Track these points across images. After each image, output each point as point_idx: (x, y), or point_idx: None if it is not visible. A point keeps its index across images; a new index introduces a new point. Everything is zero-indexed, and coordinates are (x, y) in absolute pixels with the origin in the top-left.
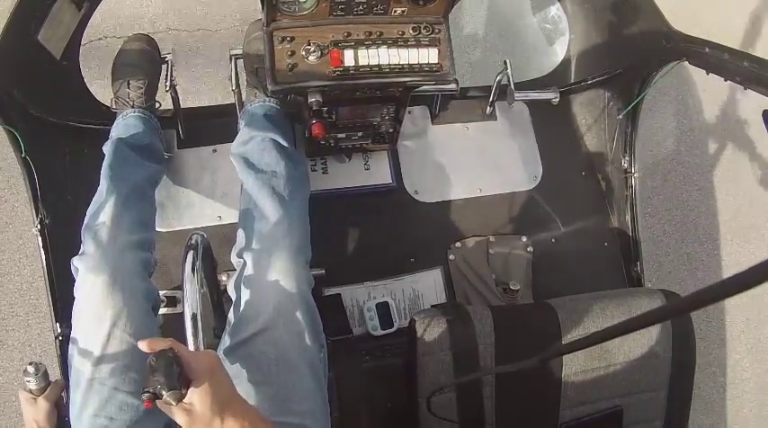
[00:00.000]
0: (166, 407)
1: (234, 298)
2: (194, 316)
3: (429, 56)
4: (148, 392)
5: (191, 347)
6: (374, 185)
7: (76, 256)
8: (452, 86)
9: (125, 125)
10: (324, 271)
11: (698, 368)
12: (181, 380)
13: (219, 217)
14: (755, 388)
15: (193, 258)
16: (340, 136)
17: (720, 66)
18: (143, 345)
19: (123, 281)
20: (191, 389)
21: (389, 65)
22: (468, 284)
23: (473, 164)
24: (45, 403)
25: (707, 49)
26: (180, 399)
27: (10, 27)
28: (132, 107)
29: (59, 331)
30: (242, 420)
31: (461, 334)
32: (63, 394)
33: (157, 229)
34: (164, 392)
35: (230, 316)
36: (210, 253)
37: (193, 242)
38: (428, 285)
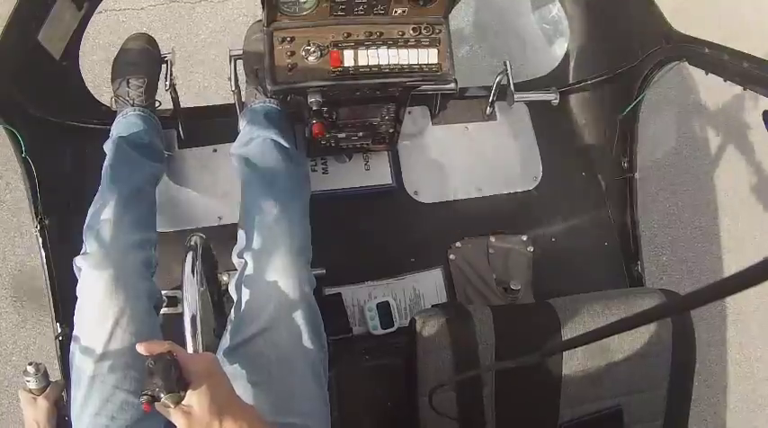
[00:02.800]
0: (165, 410)
1: (235, 299)
2: (193, 318)
3: (429, 56)
4: (147, 394)
5: (189, 348)
6: (374, 186)
7: (79, 256)
8: (452, 86)
9: (126, 123)
10: (324, 271)
11: (711, 346)
12: (179, 383)
13: (220, 217)
14: None
15: (193, 259)
16: (340, 136)
17: (720, 66)
18: (141, 348)
19: (126, 281)
20: (189, 392)
21: (389, 65)
22: (469, 284)
23: (473, 165)
24: (45, 402)
25: (706, 50)
26: (178, 402)
27: (10, 27)
28: (132, 106)
29: (60, 331)
30: (240, 421)
31: (462, 333)
32: (63, 394)
33: (158, 229)
34: (162, 395)
35: (231, 316)
36: (211, 253)
37: (192, 243)
38: (429, 285)
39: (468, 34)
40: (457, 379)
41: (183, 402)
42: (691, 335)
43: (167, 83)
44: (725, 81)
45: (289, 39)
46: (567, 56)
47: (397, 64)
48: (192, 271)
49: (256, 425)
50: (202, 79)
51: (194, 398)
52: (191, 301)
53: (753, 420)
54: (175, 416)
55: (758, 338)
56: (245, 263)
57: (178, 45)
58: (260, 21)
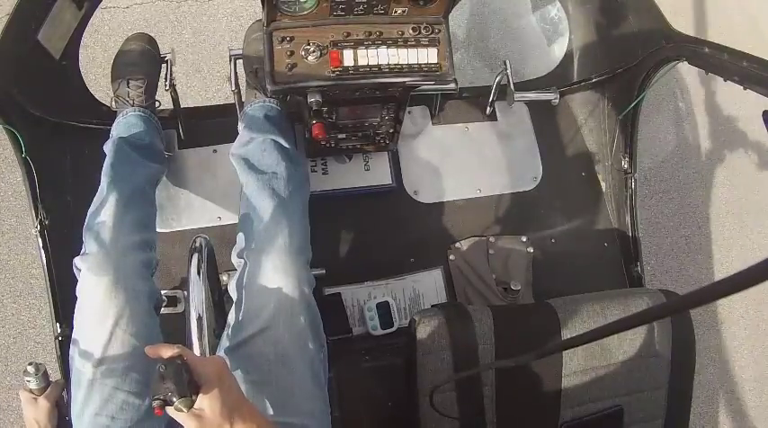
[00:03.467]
0: (177, 414)
1: (235, 299)
2: (199, 319)
3: (429, 56)
4: (159, 399)
5: (195, 350)
6: (374, 186)
7: (79, 256)
8: (452, 86)
9: (126, 124)
10: (324, 271)
11: (697, 352)
12: (190, 387)
13: (219, 217)
14: (755, 376)
15: (198, 261)
16: (340, 136)
17: (720, 66)
18: (150, 351)
19: (126, 282)
20: (200, 396)
21: (389, 65)
22: (469, 284)
23: (473, 165)
24: (46, 402)
25: (706, 49)
26: (190, 406)
27: (10, 27)
28: (132, 106)
29: (59, 331)
30: (249, 424)
31: (461, 333)
32: (63, 393)
33: (158, 230)
34: (174, 399)
35: (231, 316)
36: (213, 255)
37: (197, 245)
38: (428, 285)
39: (467, 34)
40: (456, 378)
41: (194, 406)
42: (690, 336)
43: (167, 83)
44: (725, 81)
45: (288, 38)
46: (567, 56)
47: (397, 64)
48: (198, 273)
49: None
50: (185, 79)
51: (206, 402)
52: (197, 303)
53: None
54: (186, 420)
55: (744, 345)
56: (245, 263)
57: (161, 44)
58: (259, 20)
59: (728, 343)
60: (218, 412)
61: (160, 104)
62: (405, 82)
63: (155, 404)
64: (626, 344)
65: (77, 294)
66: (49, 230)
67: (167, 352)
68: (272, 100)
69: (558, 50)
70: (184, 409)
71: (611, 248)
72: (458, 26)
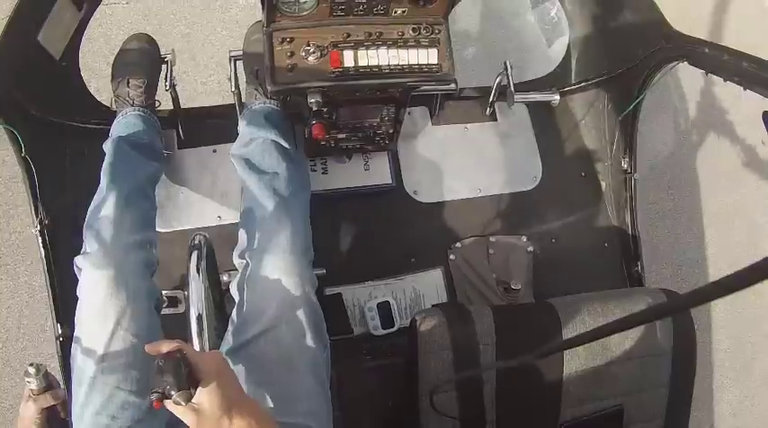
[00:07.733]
0: (175, 407)
1: (237, 299)
2: (199, 317)
3: (429, 56)
4: (157, 392)
5: (196, 347)
6: (374, 186)
7: (79, 255)
8: (452, 87)
9: (125, 123)
10: (324, 271)
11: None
12: (189, 381)
13: (219, 217)
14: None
15: (197, 259)
16: (340, 136)
17: (720, 66)
18: (149, 349)
19: (126, 281)
20: (199, 389)
21: (389, 65)
22: (469, 284)
23: (473, 165)
24: (33, 406)
25: (706, 50)
26: (189, 399)
27: (10, 27)
28: (132, 106)
29: (60, 331)
30: (249, 418)
31: (462, 333)
32: (64, 395)
33: (158, 230)
34: (173, 392)
35: (233, 316)
36: (213, 253)
37: (197, 242)
38: (429, 285)
39: (467, 35)
40: (457, 379)
41: (192, 400)
42: (691, 335)
43: (167, 83)
44: (725, 81)
45: (288, 39)
46: (566, 56)
47: (397, 64)
48: (197, 271)
49: (264, 422)
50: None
51: (204, 396)
52: (196, 300)
53: None
54: (185, 414)
55: (734, 347)
56: (247, 263)
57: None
58: (259, 22)
59: (718, 344)
60: (217, 405)
61: (160, 104)
62: (405, 82)
63: (153, 397)
64: (627, 344)
65: (78, 293)
66: (49, 230)
67: (166, 347)
68: (271, 101)
69: (558, 51)
70: (183, 402)
71: (611, 248)
72: (458, 27)
